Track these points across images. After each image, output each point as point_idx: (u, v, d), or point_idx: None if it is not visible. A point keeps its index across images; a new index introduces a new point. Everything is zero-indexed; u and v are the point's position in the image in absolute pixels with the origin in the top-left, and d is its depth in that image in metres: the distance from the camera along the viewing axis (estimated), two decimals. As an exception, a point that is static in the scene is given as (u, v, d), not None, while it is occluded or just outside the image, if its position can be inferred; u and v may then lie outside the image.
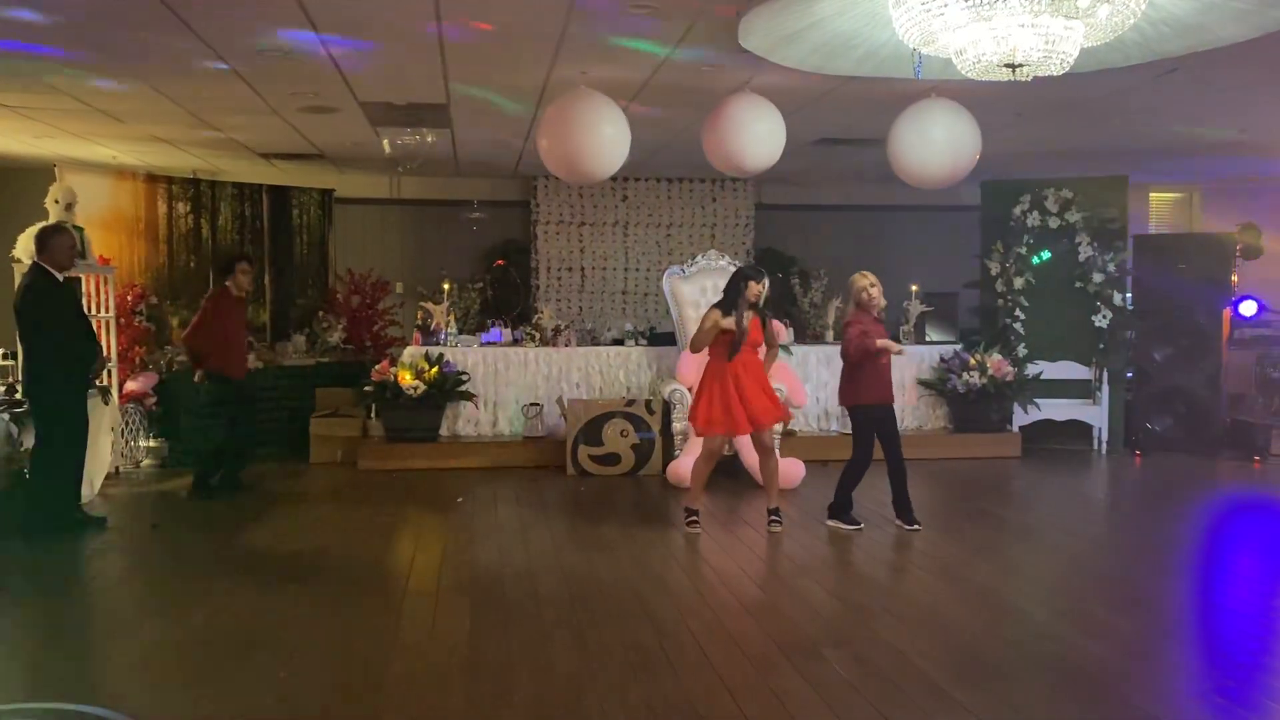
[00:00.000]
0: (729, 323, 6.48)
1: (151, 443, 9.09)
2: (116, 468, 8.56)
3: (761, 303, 6.65)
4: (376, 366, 9.23)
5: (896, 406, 6.96)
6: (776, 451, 7.09)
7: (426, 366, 9.01)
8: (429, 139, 9.66)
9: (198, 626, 4.83)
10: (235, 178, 11.89)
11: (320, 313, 11.39)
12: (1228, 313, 10.63)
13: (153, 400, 9.01)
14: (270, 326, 11.62)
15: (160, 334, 10.15)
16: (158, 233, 11.02)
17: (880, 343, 6.53)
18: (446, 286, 10.33)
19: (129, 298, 9.80)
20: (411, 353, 9.28)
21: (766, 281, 6.74)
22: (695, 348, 6.68)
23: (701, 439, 6.86)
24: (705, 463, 6.75)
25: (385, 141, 9.78)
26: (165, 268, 11.07)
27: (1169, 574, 5.90)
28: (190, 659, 4.42)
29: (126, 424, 8.84)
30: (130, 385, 8.97)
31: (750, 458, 8.17)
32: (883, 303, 6.74)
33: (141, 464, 9.01)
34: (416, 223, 13.11)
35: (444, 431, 9.33)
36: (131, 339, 9.56)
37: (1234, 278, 10.67)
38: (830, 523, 6.75)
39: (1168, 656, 4.49)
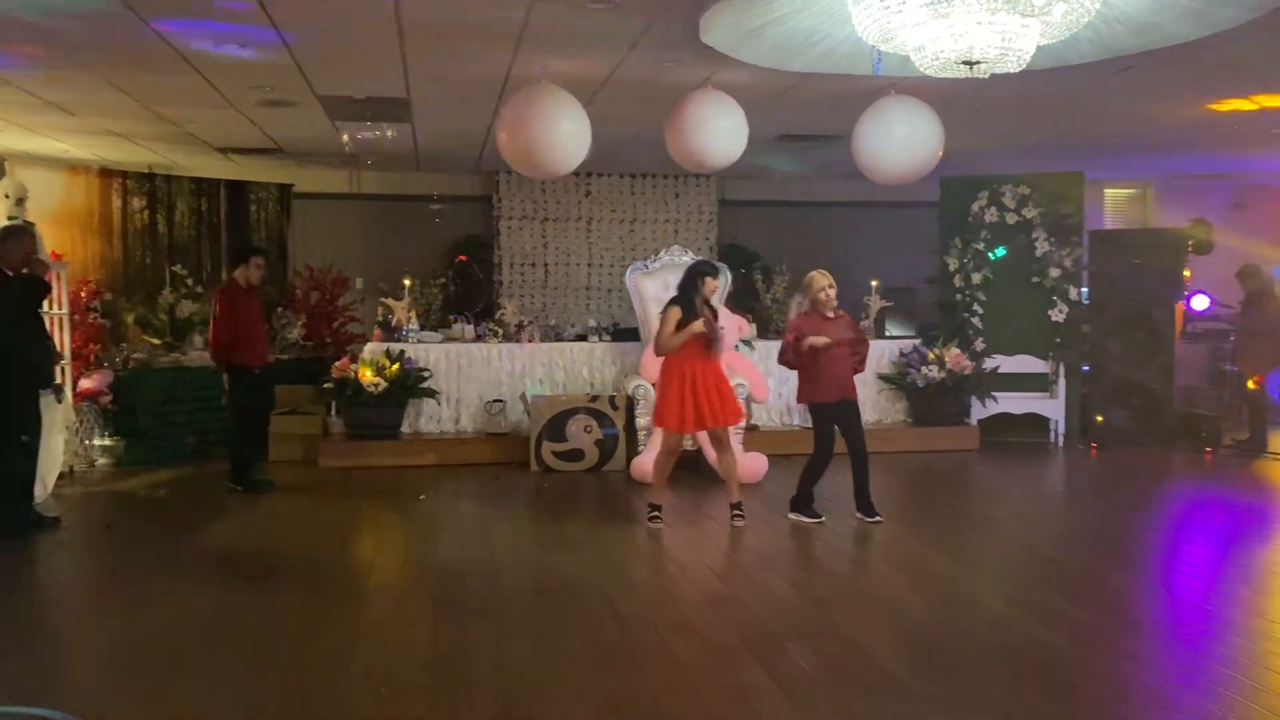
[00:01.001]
0: (699, 326, 6.44)
1: (107, 441, 8.95)
2: (70, 467, 8.42)
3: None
4: (337, 363, 9.16)
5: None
6: (735, 447, 7.11)
7: (387, 363, 8.95)
8: (389, 133, 9.58)
9: (155, 627, 4.77)
10: (192, 172, 11.73)
11: (279, 309, 11.28)
12: (1180, 307, 10.83)
13: (108, 398, 8.87)
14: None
15: (116, 331, 10.01)
16: (112, 228, 10.86)
17: (808, 342, 6.54)
18: (408, 282, 10.25)
19: (83, 294, 9.65)
20: (372, 349, 9.21)
21: (726, 276, 6.71)
22: (662, 350, 6.55)
23: (662, 435, 6.86)
24: (667, 458, 6.76)
25: (345, 136, 9.69)
26: (120, 263, 10.91)
27: (1124, 564, 6.00)
28: (148, 660, 4.36)
29: (81, 423, 8.70)
30: (85, 383, 8.82)
31: (714, 453, 8.20)
32: (834, 304, 6.72)
33: (96, 463, 8.87)
34: (377, 218, 13.00)
35: (405, 429, 9.27)
36: (86, 336, 9.41)
37: (1186, 272, 10.86)
38: (792, 516, 6.80)
39: (1122, 645, 4.56)
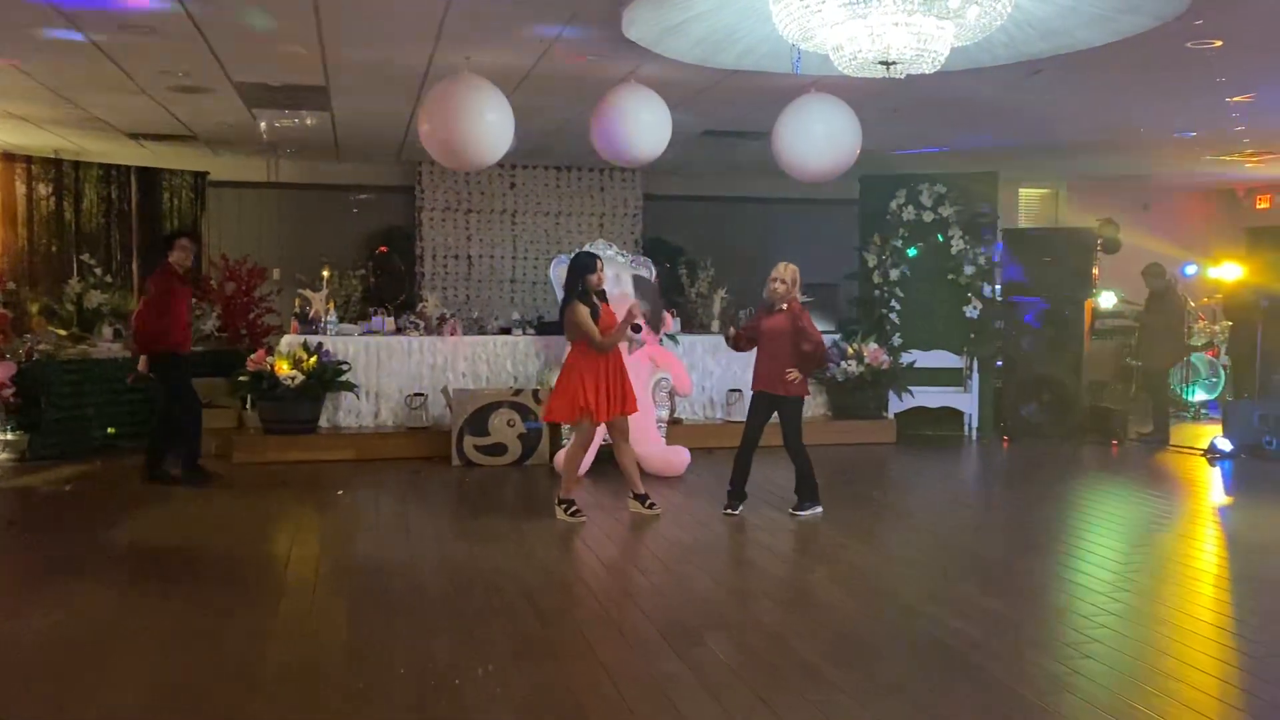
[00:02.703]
0: (636, 312, 6.54)
1: (9, 435, 8.63)
2: (-30, 462, 8.12)
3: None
4: (252, 356, 8.95)
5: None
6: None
7: (305, 356, 8.79)
8: (307, 121, 9.40)
9: (56, 626, 4.61)
10: (101, 158, 11.37)
11: (193, 300, 10.98)
12: (1089, 304, 11.17)
13: (10, 391, 8.55)
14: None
15: (19, 321, 9.65)
16: (16, 215, 10.48)
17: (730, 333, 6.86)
18: (326, 273, 10.09)
19: (-16, 283, 9.30)
20: (289, 341, 9.03)
21: (601, 266, 6.75)
22: (605, 349, 6.51)
23: (575, 428, 6.86)
24: (581, 451, 6.78)
25: (262, 124, 9.48)
26: (25, 252, 10.54)
27: (1033, 553, 6.18)
28: (48, 660, 4.22)
29: (-19, 416, 8.38)
30: (-14, 375, 8.49)
31: (638, 447, 8.21)
32: (781, 297, 6.73)
33: (-2, 458, 8.56)
34: (295, 207, 12.75)
35: (323, 423, 9.11)
36: (-13, 327, 9.06)
37: (1095, 271, 11.21)
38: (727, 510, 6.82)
39: (1029, 632, 4.70)
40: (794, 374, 6.62)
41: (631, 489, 6.85)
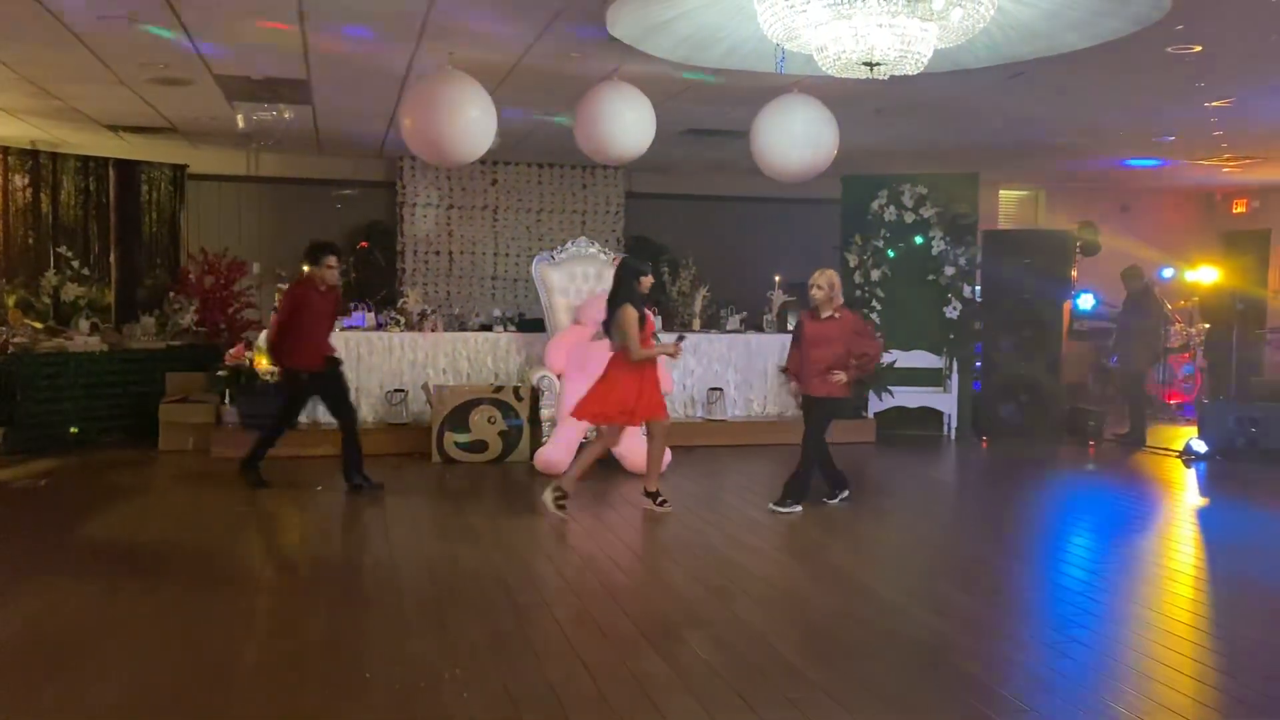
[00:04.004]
0: (672, 350, 6.71)
1: (-17, 429, 8.55)
2: (-57, 456, 8.03)
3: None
4: (231, 350, 8.90)
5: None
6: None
7: (285, 351, 8.72)
8: (287, 115, 9.34)
9: (30, 621, 4.57)
10: (79, 150, 11.26)
11: (171, 293, 10.91)
12: (1068, 305, 11.26)
13: (-15, 384, 8.47)
14: (115, 308, 11.08)
15: (-5, 313, 9.56)
16: (-10, 206, 10.35)
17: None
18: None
19: (-43, 275, 9.19)
20: (268, 336, 8.97)
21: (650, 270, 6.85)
22: (638, 359, 6.57)
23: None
24: (605, 448, 6.82)
25: (239, 116, 9.41)
26: (0, 244, 10.42)
27: (1011, 552, 6.22)
28: (21, 655, 4.18)
29: (-45, 410, 8.30)
30: (-41, 368, 8.40)
31: (619, 445, 8.22)
32: (830, 304, 6.87)
33: (-28, 452, 8.47)
34: (276, 201, 12.67)
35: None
36: (-40, 319, 8.97)
37: (1074, 272, 11.30)
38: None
39: (1006, 631, 4.74)
40: (840, 375, 6.73)
41: (645, 485, 6.91)
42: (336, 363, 7.50)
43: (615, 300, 6.66)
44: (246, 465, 7.42)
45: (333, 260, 7.22)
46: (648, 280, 6.70)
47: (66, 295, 9.98)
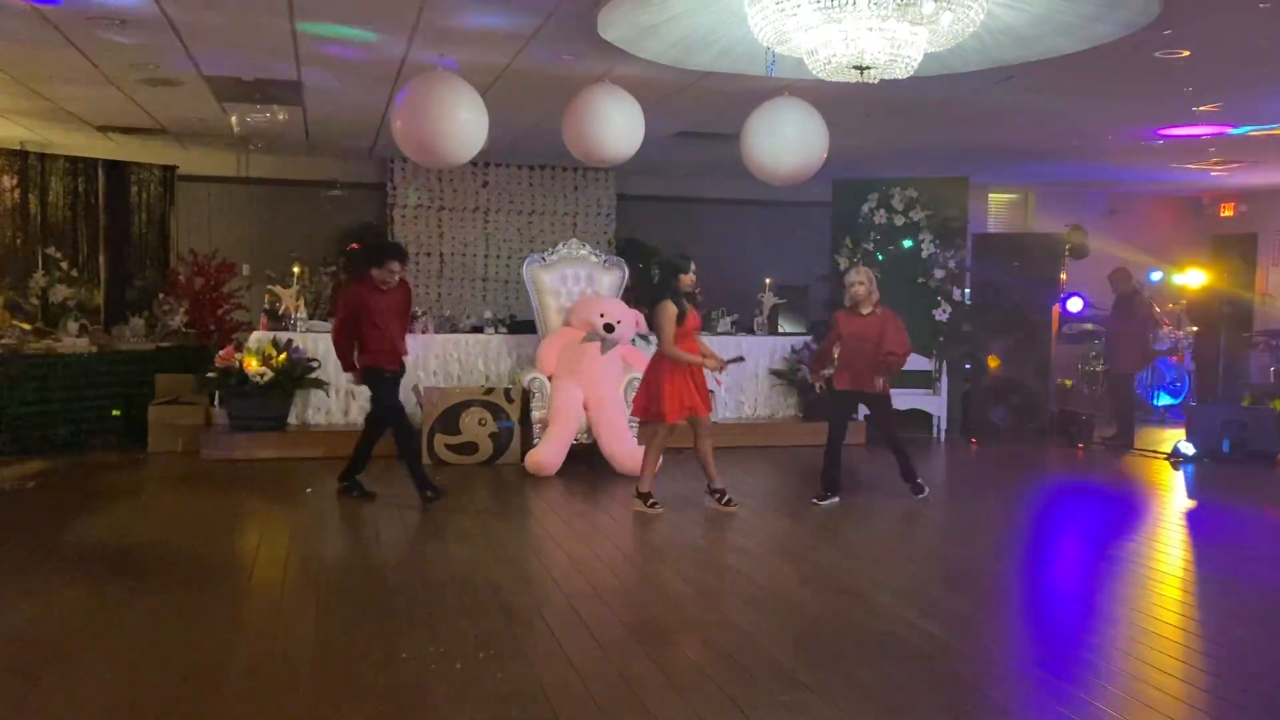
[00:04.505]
0: (714, 365, 6.80)
1: (-30, 431, 8.51)
2: (-70, 458, 7.99)
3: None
4: (221, 352, 8.88)
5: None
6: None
7: (274, 352, 8.72)
8: (280, 117, 9.32)
9: (17, 624, 4.55)
10: (68, 151, 11.21)
11: (161, 295, 10.88)
12: (1056, 308, 11.30)
13: (-27, 386, 8.43)
14: (104, 309, 11.03)
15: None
16: (-21, 207, 10.30)
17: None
18: (297, 270, 10.01)
19: (-55, 276, 9.15)
20: (258, 338, 8.96)
21: (694, 268, 6.86)
22: (670, 355, 6.66)
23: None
24: (658, 448, 6.90)
25: (233, 119, 9.39)
26: (-12, 245, 10.38)
27: (999, 554, 6.24)
28: (13, 659, 4.16)
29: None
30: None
31: (609, 446, 8.24)
32: (869, 300, 7.14)
33: (-42, 454, 8.43)
34: (266, 203, 12.64)
35: (292, 420, 9.05)
36: (-52, 320, 8.92)
37: (1063, 276, 11.34)
38: (820, 503, 7.15)
39: (995, 632, 4.75)
40: (879, 381, 7.11)
41: (708, 483, 6.96)
42: (403, 366, 7.40)
43: (655, 297, 6.77)
44: (421, 486, 7.11)
45: (396, 265, 7.05)
46: (687, 277, 6.75)
47: (55, 296, 9.93)
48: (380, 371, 7.09)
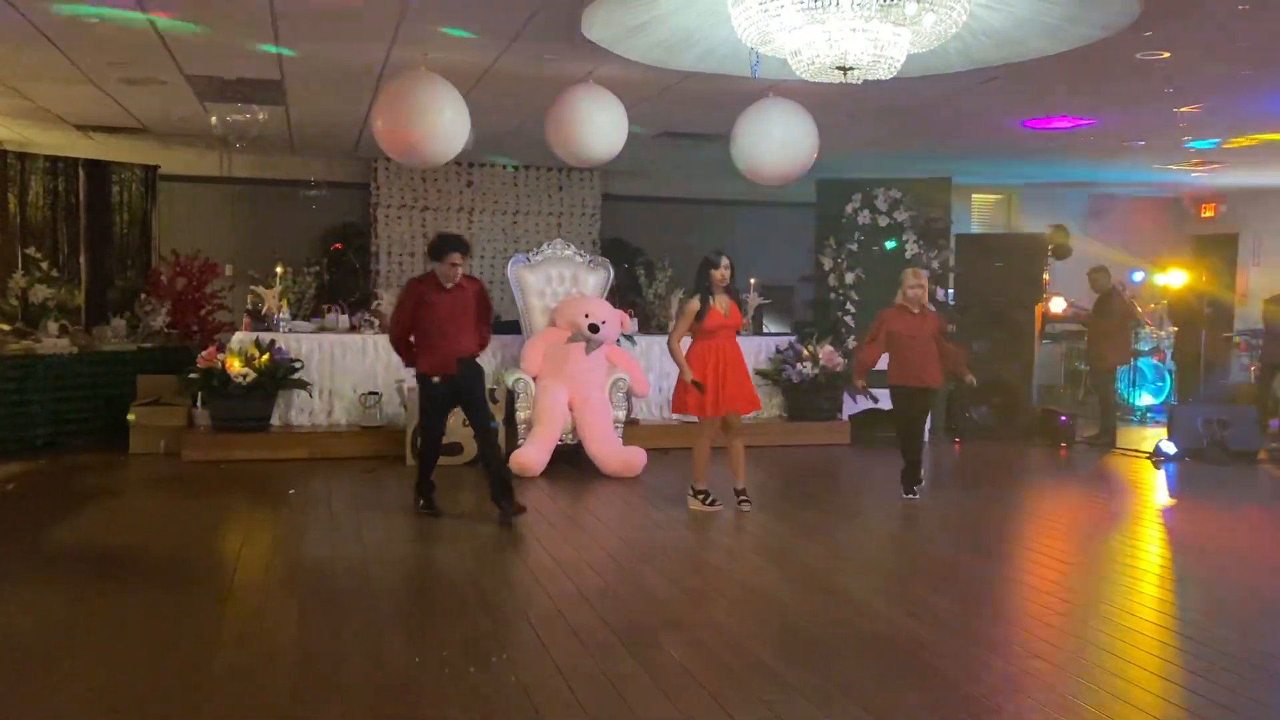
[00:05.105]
0: (688, 377, 6.75)
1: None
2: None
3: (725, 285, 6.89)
4: (203, 353, 8.82)
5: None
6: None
7: (257, 353, 8.68)
8: (261, 116, 9.27)
9: (-1, 629, 4.52)
10: (48, 150, 11.12)
11: (143, 295, 10.81)
12: (1040, 309, 11.36)
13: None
14: (85, 309, 10.95)
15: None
16: (-44, 207, 10.21)
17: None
18: (280, 270, 9.95)
19: (-76, 276, 9.06)
20: (241, 338, 8.91)
21: (725, 263, 6.87)
22: (669, 347, 6.86)
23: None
24: (707, 442, 6.91)
25: (213, 118, 9.34)
26: (-33, 244, 10.28)
27: (983, 553, 6.26)
28: (-10, 664, 4.13)
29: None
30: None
31: (594, 447, 8.23)
32: (922, 302, 7.49)
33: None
34: (248, 202, 12.57)
35: (275, 421, 9.00)
36: (-74, 321, 8.84)
37: (1046, 276, 11.40)
38: (908, 496, 7.51)
39: (979, 631, 4.77)
40: (971, 377, 7.76)
41: (735, 482, 7.01)
42: (473, 368, 6.78)
43: (691, 291, 6.97)
44: (419, 492, 6.85)
45: (457, 257, 6.49)
46: (718, 274, 6.79)
47: (35, 297, 9.84)
48: (424, 379, 6.63)
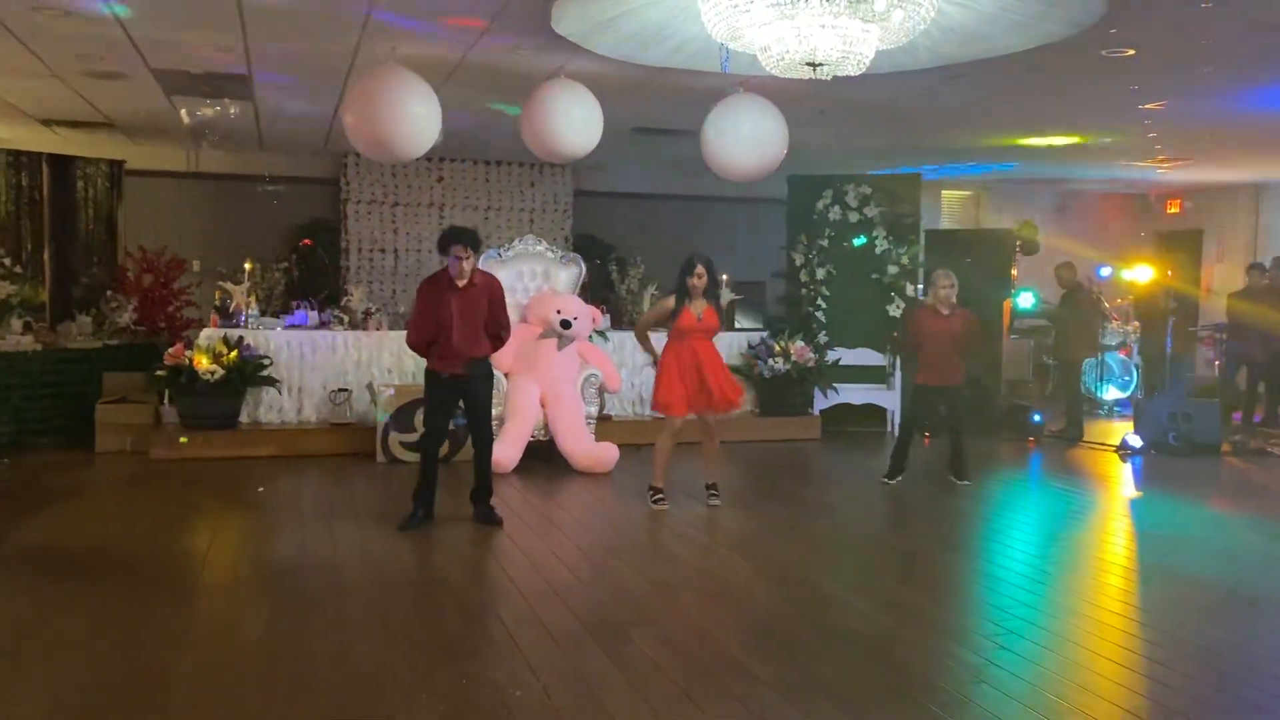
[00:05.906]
0: (648, 354, 7.05)
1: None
2: None
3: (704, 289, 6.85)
4: (170, 350, 8.73)
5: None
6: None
7: (225, 350, 8.60)
8: (230, 110, 9.19)
9: (-38, 630, 4.45)
10: (10, 144, 10.96)
11: (109, 292, 10.68)
12: (1008, 304, 11.45)
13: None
14: (50, 306, 10.81)
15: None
16: (-83, 202, 10.05)
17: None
18: (248, 266, 9.87)
19: (-117, 273, 8.91)
20: (209, 335, 8.83)
21: (700, 270, 6.81)
22: (638, 335, 7.12)
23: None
24: (669, 440, 6.89)
25: (183, 112, 9.24)
26: (-73, 240, 10.12)
27: (950, 546, 6.32)
28: (-48, 665, 4.08)
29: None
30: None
31: (566, 443, 8.22)
32: (952, 302, 7.68)
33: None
34: (217, 198, 12.47)
35: (244, 418, 8.93)
36: (-114, 318, 8.69)
37: (1014, 271, 11.49)
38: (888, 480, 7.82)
39: (947, 623, 4.81)
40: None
41: (706, 477, 7.05)
42: (483, 370, 6.44)
43: (669, 290, 7.02)
44: (415, 504, 6.51)
45: (460, 249, 6.09)
46: (691, 280, 6.77)
47: (-2, 294, 9.71)
48: (431, 376, 6.41)
